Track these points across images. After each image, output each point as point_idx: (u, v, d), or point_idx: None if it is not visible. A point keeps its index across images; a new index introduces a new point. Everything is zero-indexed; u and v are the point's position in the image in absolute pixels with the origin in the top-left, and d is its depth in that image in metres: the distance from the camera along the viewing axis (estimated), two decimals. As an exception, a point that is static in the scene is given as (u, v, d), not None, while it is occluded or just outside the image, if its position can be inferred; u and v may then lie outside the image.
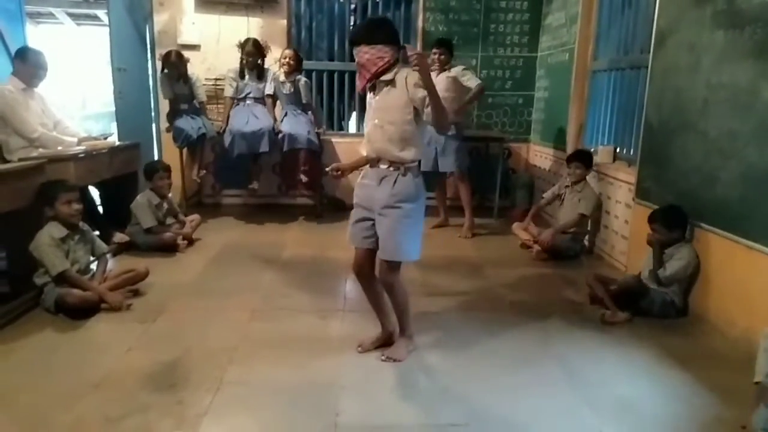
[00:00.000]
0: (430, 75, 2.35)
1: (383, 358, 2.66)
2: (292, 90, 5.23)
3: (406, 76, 2.42)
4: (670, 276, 3.19)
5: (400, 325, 2.74)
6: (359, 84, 2.56)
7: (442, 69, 4.83)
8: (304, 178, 5.23)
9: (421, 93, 2.38)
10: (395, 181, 2.48)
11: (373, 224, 2.56)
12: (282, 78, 5.25)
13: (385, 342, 2.76)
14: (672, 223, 3.22)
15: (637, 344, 2.89)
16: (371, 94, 2.57)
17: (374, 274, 2.65)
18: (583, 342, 2.93)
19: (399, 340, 2.74)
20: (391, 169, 2.50)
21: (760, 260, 2.73)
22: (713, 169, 3.08)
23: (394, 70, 2.47)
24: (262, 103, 5.34)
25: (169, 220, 4.51)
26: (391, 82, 2.47)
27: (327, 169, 2.69)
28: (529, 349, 2.84)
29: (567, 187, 4.48)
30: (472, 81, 4.82)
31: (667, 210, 3.29)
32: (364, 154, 2.61)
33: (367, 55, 2.43)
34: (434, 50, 4.85)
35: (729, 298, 2.98)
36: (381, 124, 2.48)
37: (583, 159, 4.42)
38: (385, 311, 2.76)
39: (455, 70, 4.84)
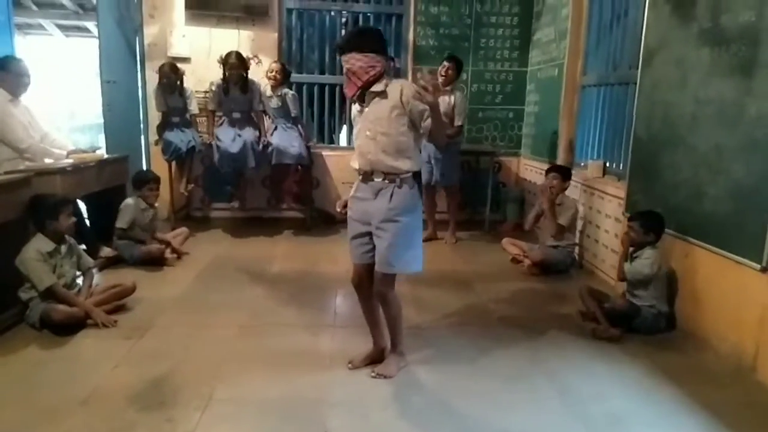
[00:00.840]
0: (436, 100, 2.37)
1: (374, 374, 2.63)
2: (280, 104, 5.21)
3: (401, 89, 2.40)
4: (635, 272, 3.24)
5: (392, 340, 2.72)
6: (349, 91, 2.51)
7: (447, 85, 4.86)
8: (294, 188, 5.22)
9: (422, 107, 2.38)
10: (392, 195, 2.46)
11: (371, 238, 2.53)
12: (269, 92, 5.23)
13: (376, 358, 2.74)
14: (649, 226, 3.27)
15: (629, 359, 2.89)
16: (358, 106, 2.55)
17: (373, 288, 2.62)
18: (574, 357, 2.92)
19: (390, 356, 2.72)
20: (386, 181, 2.47)
21: (748, 275, 2.75)
22: (701, 184, 3.11)
23: (384, 81, 2.45)
24: (249, 116, 5.30)
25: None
26: (382, 94, 2.44)
27: (338, 209, 2.68)
28: (520, 364, 2.83)
29: None
30: (458, 117, 4.92)
31: (648, 213, 3.35)
32: (356, 167, 2.57)
33: (360, 62, 2.40)
34: (445, 63, 4.90)
35: (719, 314, 2.99)
36: (373, 135, 2.45)
37: (560, 170, 4.44)
38: (379, 326, 2.73)
39: (458, 97, 4.92)
